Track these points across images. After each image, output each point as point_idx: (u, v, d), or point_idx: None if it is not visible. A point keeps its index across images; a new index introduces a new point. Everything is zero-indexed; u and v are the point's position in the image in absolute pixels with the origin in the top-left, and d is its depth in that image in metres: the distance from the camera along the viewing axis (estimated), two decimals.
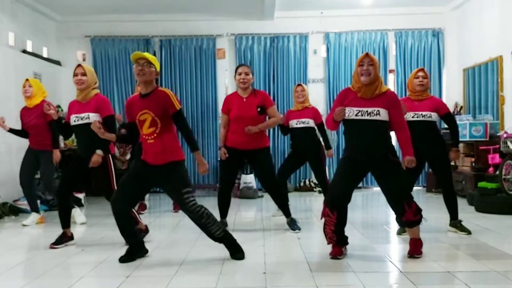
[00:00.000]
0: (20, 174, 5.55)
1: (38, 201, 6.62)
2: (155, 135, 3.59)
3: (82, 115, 4.27)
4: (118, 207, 3.71)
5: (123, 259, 3.73)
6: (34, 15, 7.90)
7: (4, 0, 7.04)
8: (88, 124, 4.20)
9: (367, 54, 3.64)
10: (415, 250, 3.73)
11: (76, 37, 8.65)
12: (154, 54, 8.64)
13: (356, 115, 3.60)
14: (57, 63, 8.42)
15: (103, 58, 8.62)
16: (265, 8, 7.99)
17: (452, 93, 8.52)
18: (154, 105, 3.58)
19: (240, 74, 4.76)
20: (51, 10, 8.21)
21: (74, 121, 4.30)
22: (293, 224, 4.90)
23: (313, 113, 5.78)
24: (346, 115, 3.60)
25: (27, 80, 5.40)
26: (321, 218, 3.81)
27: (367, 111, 3.58)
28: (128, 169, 3.87)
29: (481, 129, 6.84)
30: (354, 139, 3.70)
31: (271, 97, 8.56)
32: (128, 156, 8.11)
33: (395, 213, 3.78)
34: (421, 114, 4.47)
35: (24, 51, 7.44)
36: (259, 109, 4.74)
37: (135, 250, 3.83)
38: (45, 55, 8.14)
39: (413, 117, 4.45)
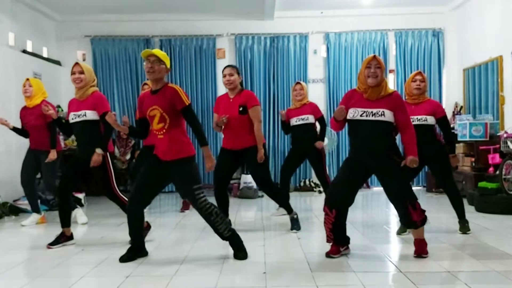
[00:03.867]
0: (21, 174, 5.55)
1: (38, 201, 6.63)
2: (164, 130, 3.66)
3: (79, 112, 4.28)
4: (135, 205, 3.74)
5: (123, 259, 3.74)
6: (34, 15, 7.89)
7: (4, 0, 7.04)
8: (85, 121, 4.27)
9: (374, 57, 3.67)
10: (421, 250, 3.73)
11: (76, 37, 8.65)
12: None
13: (361, 115, 3.63)
14: (57, 63, 8.42)
15: (103, 58, 8.62)
16: (265, 8, 7.99)
17: (452, 93, 8.53)
18: (162, 101, 3.64)
19: (224, 76, 4.79)
20: (51, 9, 8.21)
21: (72, 118, 4.32)
22: (294, 223, 4.90)
23: (312, 108, 5.83)
24: (351, 115, 3.64)
25: (27, 79, 5.40)
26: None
27: (371, 111, 3.61)
28: (140, 168, 3.88)
29: (481, 129, 6.84)
30: (358, 139, 3.72)
31: (271, 97, 8.61)
32: (128, 156, 8.13)
33: (398, 214, 3.78)
34: (416, 118, 4.46)
35: (24, 51, 7.43)
36: (241, 109, 4.71)
37: (137, 251, 3.83)
38: (45, 55, 8.14)
39: None
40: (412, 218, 3.64)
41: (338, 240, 3.79)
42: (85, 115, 4.26)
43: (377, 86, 3.64)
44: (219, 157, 4.82)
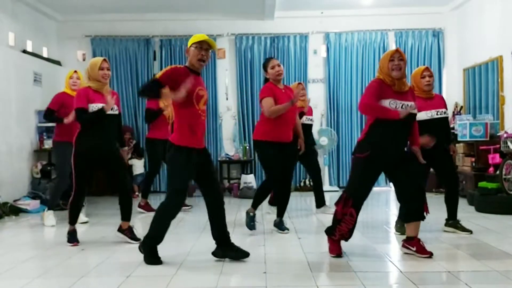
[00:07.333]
0: (66, 169, 5.34)
1: (38, 201, 6.64)
2: (205, 113, 3.75)
3: (114, 106, 4.45)
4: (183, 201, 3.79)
5: (156, 262, 3.68)
6: (34, 15, 7.89)
7: (4, 0, 7.04)
8: (118, 116, 4.54)
9: (397, 50, 3.71)
10: (425, 250, 3.72)
11: (77, 37, 8.65)
12: (154, 54, 8.66)
13: (401, 107, 3.62)
14: (57, 63, 8.42)
15: None
16: (266, 8, 7.99)
17: (452, 93, 8.52)
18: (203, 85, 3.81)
19: (273, 67, 4.74)
20: (51, 9, 8.21)
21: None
22: (281, 225, 4.90)
23: (311, 111, 5.99)
24: (393, 106, 3.60)
25: (75, 71, 5.56)
26: (339, 218, 3.74)
27: (408, 104, 3.64)
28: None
29: (481, 129, 6.84)
30: (391, 131, 3.62)
31: None
32: (128, 156, 8.14)
33: (414, 208, 3.71)
34: (436, 111, 4.51)
35: (24, 51, 7.43)
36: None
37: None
38: (45, 55, 8.14)
39: (431, 115, 4.50)
40: (425, 209, 3.72)
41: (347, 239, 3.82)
42: (117, 110, 4.50)
43: (402, 78, 3.67)
44: (274, 153, 4.63)
